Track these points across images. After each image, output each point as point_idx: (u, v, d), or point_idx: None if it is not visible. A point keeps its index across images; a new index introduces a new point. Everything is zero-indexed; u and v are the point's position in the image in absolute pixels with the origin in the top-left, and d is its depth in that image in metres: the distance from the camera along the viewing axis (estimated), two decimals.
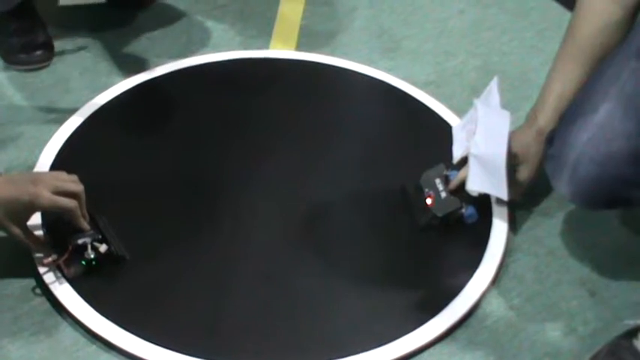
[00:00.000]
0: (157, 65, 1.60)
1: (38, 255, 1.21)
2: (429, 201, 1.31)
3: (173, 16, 1.75)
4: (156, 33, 1.70)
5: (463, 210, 1.30)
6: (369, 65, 1.64)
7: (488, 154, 1.28)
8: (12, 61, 1.58)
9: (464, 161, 1.31)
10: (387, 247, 1.29)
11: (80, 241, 1.19)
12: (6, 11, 1.56)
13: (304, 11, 1.79)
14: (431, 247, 1.29)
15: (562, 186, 1.15)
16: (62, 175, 1.20)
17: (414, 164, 1.38)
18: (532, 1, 1.84)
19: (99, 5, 1.75)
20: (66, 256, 1.18)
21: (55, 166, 1.37)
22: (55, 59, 1.61)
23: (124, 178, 1.37)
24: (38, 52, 1.58)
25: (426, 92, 1.58)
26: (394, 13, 1.81)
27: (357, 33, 1.75)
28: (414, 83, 1.60)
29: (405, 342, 1.16)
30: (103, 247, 1.20)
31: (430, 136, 1.48)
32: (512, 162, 1.29)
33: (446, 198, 1.30)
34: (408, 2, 1.83)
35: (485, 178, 1.28)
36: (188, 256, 1.26)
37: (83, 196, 1.20)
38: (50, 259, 1.20)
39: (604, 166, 1.09)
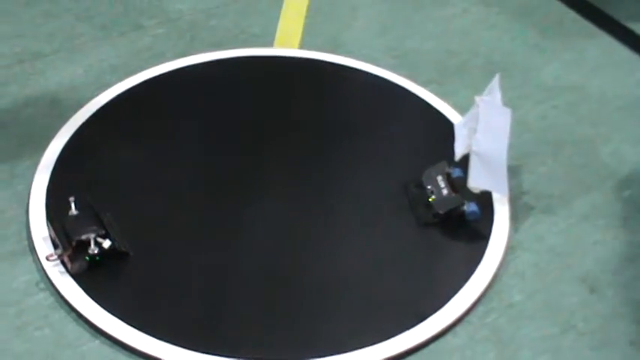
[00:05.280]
0: (160, 63, 1.61)
1: (42, 250, 1.22)
2: (430, 198, 1.32)
3: (177, 13, 1.76)
4: (160, 31, 1.71)
5: (465, 207, 1.30)
6: (372, 63, 1.65)
7: (490, 151, 1.29)
8: None
9: (465, 158, 1.32)
10: (388, 244, 1.29)
11: (84, 237, 1.20)
12: None
13: (308, 10, 1.80)
14: (433, 243, 1.30)
15: None
16: None
17: (416, 161, 1.39)
18: (534, 0, 1.85)
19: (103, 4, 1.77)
20: (70, 251, 1.19)
21: (59, 163, 1.38)
22: (59, 57, 1.62)
23: (128, 174, 1.38)
24: None
25: (429, 90, 1.59)
26: (396, 12, 1.81)
27: (360, 31, 1.75)
28: (417, 81, 1.61)
29: (406, 338, 1.16)
30: (106, 243, 1.21)
31: (432, 134, 1.49)
32: None
33: (448, 195, 1.31)
34: (411, 1, 1.83)
35: (487, 175, 1.29)
36: (191, 252, 1.26)
37: None
38: (54, 254, 1.21)
39: None
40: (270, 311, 1.19)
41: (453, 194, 1.31)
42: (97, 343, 1.15)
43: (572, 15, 1.81)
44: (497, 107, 1.35)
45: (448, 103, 1.56)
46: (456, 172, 1.33)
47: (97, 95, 1.53)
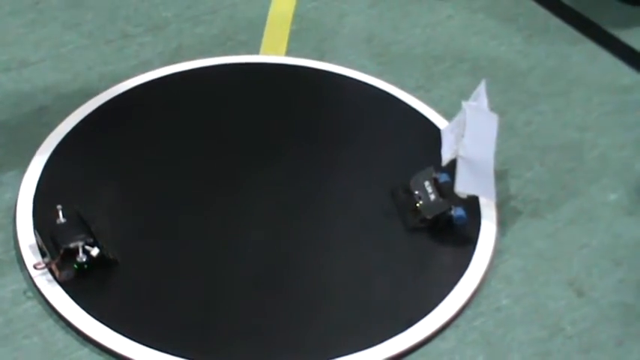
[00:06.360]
0: (147, 71, 1.61)
1: (30, 259, 1.21)
2: (418, 203, 1.32)
3: (164, 21, 1.76)
4: (146, 39, 1.71)
5: (452, 212, 1.31)
6: (358, 70, 1.65)
7: (477, 156, 1.30)
8: None
9: (453, 164, 1.32)
10: (376, 249, 1.30)
11: (72, 245, 1.20)
12: None
13: (294, 17, 1.81)
14: (420, 248, 1.30)
15: None
16: None
17: (404, 167, 1.39)
18: (519, 7, 1.86)
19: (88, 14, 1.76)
20: (58, 259, 1.19)
21: (46, 171, 1.38)
22: (46, 65, 1.62)
23: (115, 182, 1.38)
24: None
25: (415, 96, 1.60)
26: (383, 18, 1.82)
27: (347, 38, 1.76)
28: (403, 87, 1.61)
29: (395, 342, 1.16)
30: (94, 251, 1.20)
31: (419, 140, 1.50)
32: None
33: (435, 200, 1.32)
34: (397, 8, 1.84)
35: (474, 180, 1.30)
36: (180, 259, 1.26)
37: None
38: (42, 262, 1.20)
39: None
40: (259, 318, 1.19)
41: (441, 199, 1.32)
42: (85, 351, 1.15)
43: (556, 21, 1.82)
44: (484, 113, 1.36)
45: (435, 109, 1.57)
46: (443, 178, 1.33)
47: (83, 103, 1.52)
